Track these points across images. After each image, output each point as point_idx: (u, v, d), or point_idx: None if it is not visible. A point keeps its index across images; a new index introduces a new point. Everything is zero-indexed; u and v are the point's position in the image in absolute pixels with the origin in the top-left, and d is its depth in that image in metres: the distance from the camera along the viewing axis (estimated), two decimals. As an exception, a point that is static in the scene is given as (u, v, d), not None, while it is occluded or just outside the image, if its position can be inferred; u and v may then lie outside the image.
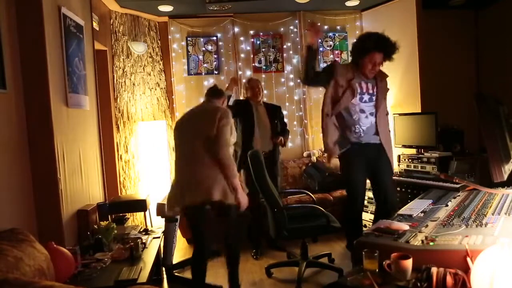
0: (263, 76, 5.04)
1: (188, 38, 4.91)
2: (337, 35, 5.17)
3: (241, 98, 4.22)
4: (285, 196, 4.21)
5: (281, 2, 4.67)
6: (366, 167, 3.04)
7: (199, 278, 2.71)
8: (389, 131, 3.19)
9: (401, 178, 3.86)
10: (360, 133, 3.01)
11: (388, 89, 3.23)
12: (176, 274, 3.40)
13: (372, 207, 3.96)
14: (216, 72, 4.96)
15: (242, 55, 5.04)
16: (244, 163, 3.68)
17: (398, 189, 3.86)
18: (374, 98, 3.04)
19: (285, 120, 4.92)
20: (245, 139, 3.74)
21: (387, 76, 3.19)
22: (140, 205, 3.54)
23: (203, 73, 4.93)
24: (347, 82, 2.97)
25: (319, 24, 5.11)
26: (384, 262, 1.64)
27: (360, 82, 3.01)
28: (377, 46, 2.90)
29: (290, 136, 4.29)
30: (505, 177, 2.43)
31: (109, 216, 3.30)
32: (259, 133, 3.78)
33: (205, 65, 4.96)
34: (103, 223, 2.87)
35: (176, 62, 4.91)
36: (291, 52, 5.12)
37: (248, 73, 5.03)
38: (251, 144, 3.67)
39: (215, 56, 4.97)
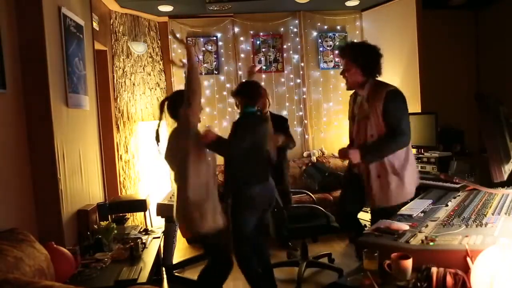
0: (263, 76, 5.05)
1: (188, 38, 4.91)
2: (337, 35, 5.17)
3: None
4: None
5: (281, 2, 4.67)
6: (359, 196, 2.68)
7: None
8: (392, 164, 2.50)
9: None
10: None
11: (385, 108, 2.47)
12: (176, 274, 3.40)
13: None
14: (216, 72, 4.96)
15: (242, 55, 5.04)
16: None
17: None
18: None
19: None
20: None
21: (383, 90, 2.51)
22: (140, 205, 3.54)
23: (203, 73, 4.92)
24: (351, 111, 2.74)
25: (318, 24, 5.13)
26: (384, 262, 1.64)
27: (354, 105, 2.70)
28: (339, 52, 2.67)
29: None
30: (505, 177, 2.43)
31: (109, 216, 3.30)
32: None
33: (205, 65, 4.95)
34: (103, 223, 2.87)
35: (176, 62, 4.91)
36: (291, 52, 5.12)
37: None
38: None
39: (215, 56, 4.97)
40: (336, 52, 5.13)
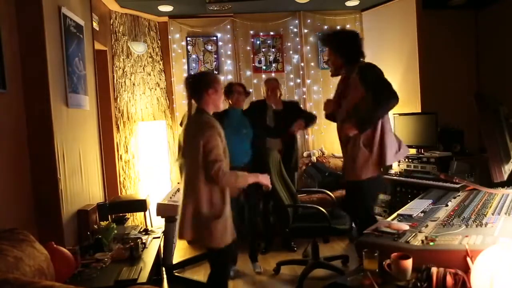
0: (263, 76, 5.04)
1: (188, 38, 4.91)
2: (337, 35, 5.17)
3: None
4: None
5: (281, 2, 4.67)
6: None
7: None
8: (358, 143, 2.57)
9: (401, 178, 3.86)
10: None
11: (360, 79, 2.55)
12: (176, 274, 3.40)
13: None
14: (216, 72, 4.96)
15: (242, 55, 5.04)
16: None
17: (398, 189, 3.87)
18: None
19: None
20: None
21: (356, 66, 2.61)
22: (140, 205, 3.54)
23: (203, 73, 4.92)
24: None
25: (318, 24, 5.14)
26: (384, 262, 1.64)
27: (339, 87, 2.79)
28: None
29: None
30: (505, 177, 2.43)
31: (109, 216, 3.30)
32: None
33: (205, 65, 4.96)
34: (103, 223, 2.87)
35: (176, 62, 4.91)
36: (291, 52, 5.12)
37: (248, 73, 5.03)
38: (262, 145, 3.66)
39: (215, 56, 4.97)
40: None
